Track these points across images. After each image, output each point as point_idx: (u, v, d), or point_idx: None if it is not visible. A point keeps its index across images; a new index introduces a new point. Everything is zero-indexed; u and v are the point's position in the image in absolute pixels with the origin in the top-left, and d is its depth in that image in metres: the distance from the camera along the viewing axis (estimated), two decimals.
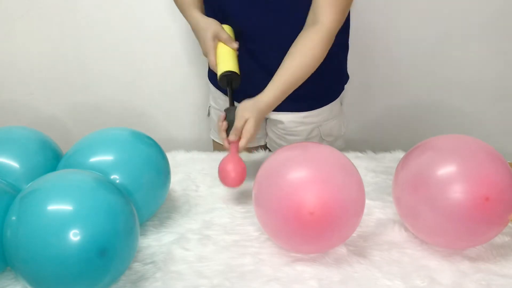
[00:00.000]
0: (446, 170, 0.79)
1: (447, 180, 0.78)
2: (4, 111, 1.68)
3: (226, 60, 1.09)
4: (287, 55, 1.03)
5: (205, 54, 1.12)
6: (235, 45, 1.09)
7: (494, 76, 1.61)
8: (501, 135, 1.65)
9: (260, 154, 1.23)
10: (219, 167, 0.98)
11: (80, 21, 1.56)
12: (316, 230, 0.76)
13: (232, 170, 0.95)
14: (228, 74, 1.06)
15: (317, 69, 1.05)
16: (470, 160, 0.79)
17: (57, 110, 1.70)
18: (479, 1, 1.51)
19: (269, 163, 0.84)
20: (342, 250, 0.84)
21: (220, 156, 1.20)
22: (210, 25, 1.09)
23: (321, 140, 1.24)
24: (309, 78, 1.05)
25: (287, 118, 1.21)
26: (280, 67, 1.03)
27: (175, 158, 1.18)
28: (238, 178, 0.95)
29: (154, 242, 0.88)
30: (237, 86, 1.09)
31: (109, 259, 0.70)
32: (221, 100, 1.27)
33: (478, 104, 1.66)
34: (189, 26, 1.16)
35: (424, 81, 1.64)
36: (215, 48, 1.09)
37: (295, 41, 1.04)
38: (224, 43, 1.09)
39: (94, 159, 0.85)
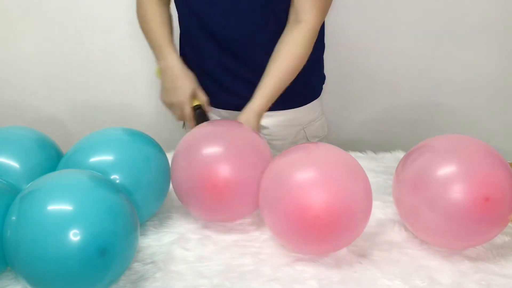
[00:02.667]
0: (446, 170, 0.79)
1: (447, 180, 0.78)
2: (4, 111, 1.68)
3: None
4: (272, 58, 1.04)
5: (175, 104, 1.09)
6: (209, 108, 1.11)
7: (494, 76, 1.61)
8: (501, 135, 1.65)
9: None
10: None
11: (80, 21, 1.56)
12: (322, 233, 0.76)
13: None
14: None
15: (305, 66, 1.06)
16: (470, 160, 0.79)
17: (57, 110, 1.70)
18: (479, 1, 1.51)
19: (275, 165, 0.83)
20: (342, 250, 0.84)
21: None
22: (191, 81, 1.08)
23: (307, 141, 1.23)
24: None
25: (271, 122, 1.19)
26: (266, 72, 1.03)
27: None
28: None
29: (154, 242, 0.88)
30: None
31: (109, 259, 0.69)
32: None
33: (478, 104, 1.66)
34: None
35: (424, 81, 1.64)
36: (190, 102, 1.08)
37: (279, 42, 1.04)
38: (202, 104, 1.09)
39: (94, 159, 0.85)
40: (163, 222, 0.94)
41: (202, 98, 1.09)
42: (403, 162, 0.86)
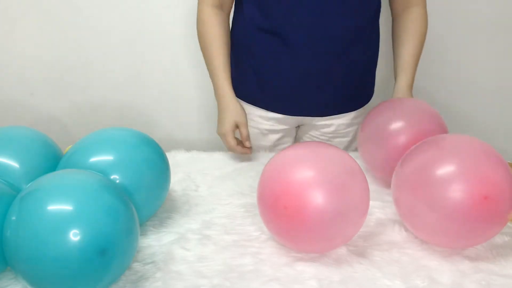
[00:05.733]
0: (446, 169, 0.79)
1: (446, 179, 0.78)
2: (4, 111, 1.68)
3: None
4: (399, 39, 1.14)
5: (221, 134, 1.15)
6: (249, 144, 1.14)
7: (494, 76, 1.61)
8: (501, 135, 1.65)
9: (261, 154, 1.23)
10: None
11: (80, 21, 1.56)
12: (319, 229, 0.77)
13: None
14: None
15: (370, 64, 1.14)
16: (469, 159, 0.79)
17: (57, 110, 1.70)
18: (479, 1, 1.51)
19: (274, 163, 0.84)
20: (342, 250, 0.84)
21: (220, 157, 1.21)
22: (237, 113, 1.14)
23: None
24: (364, 74, 1.14)
25: (337, 121, 1.21)
26: (399, 51, 1.14)
27: (175, 158, 1.18)
28: None
29: (154, 242, 0.88)
30: None
31: (109, 259, 0.70)
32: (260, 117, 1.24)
33: (478, 104, 1.66)
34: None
35: (424, 81, 1.64)
36: (233, 135, 1.14)
37: (399, 27, 1.14)
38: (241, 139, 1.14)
39: (94, 159, 0.85)
40: (163, 222, 0.94)
41: (243, 132, 1.13)
42: (402, 162, 0.86)
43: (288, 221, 0.77)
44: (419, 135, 0.93)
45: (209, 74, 1.16)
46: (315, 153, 0.82)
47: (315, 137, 1.27)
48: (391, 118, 1.00)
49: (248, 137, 1.14)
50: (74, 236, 0.66)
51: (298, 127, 1.29)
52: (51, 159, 0.91)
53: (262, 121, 1.21)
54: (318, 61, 1.09)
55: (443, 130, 1.00)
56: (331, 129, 1.23)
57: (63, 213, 0.68)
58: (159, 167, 0.91)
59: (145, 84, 1.66)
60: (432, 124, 0.99)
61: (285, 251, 0.84)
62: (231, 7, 1.18)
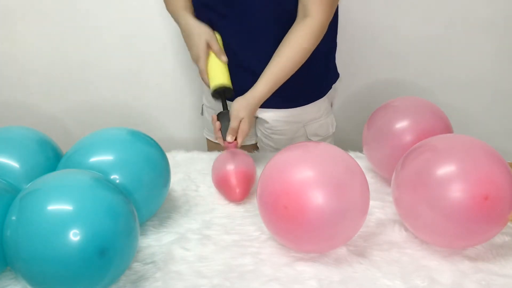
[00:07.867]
0: (446, 169, 0.79)
1: (446, 179, 0.78)
2: (4, 111, 1.68)
3: (219, 72, 1.10)
4: (277, 49, 1.06)
5: (195, 60, 1.12)
6: (225, 58, 1.10)
7: (494, 76, 1.61)
8: (501, 135, 1.65)
9: (260, 154, 1.23)
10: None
11: (80, 21, 1.56)
12: (319, 229, 0.77)
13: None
14: (221, 90, 1.08)
15: (303, 65, 1.06)
16: (469, 160, 0.79)
17: (57, 110, 1.70)
18: (479, 1, 1.51)
19: (274, 162, 0.84)
20: (342, 250, 0.84)
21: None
22: (203, 31, 1.09)
23: (307, 139, 1.24)
24: (294, 74, 1.06)
25: (272, 117, 1.20)
26: (270, 61, 1.05)
27: (175, 158, 1.18)
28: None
29: (154, 242, 0.88)
30: (231, 96, 1.11)
31: (109, 259, 0.70)
32: None
33: (478, 104, 1.66)
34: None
35: (424, 81, 1.64)
36: (207, 56, 1.10)
37: (286, 35, 1.06)
38: (215, 54, 1.10)
39: (94, 159, 0.85)
40: (163, 222, 0.94)
41: (216, 48, 1.09)
42: (402, 162, 0.86)
43: (288, 221, 0.77)
44: (425, 133, 0.93)
45: (177, 23, 1.16)
46: (315, 153, 0.83)
47: (259, 130, 1.27)
48: (396, 117, 1.00)
49: (222, 51, 1.10)
50: (74, 236, 0.66)
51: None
52: (51, 159, 0.91)
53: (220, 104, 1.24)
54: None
55: (448, 129, 1.00)
56: (268, 124, 1.22)
57: (63, 213, 0.68)
58: (159, 167, 0.91)
59: (145, 84, 1.66)
60: (437, 123, 0.99)
61: (285, 251, 0.84)
62: None
